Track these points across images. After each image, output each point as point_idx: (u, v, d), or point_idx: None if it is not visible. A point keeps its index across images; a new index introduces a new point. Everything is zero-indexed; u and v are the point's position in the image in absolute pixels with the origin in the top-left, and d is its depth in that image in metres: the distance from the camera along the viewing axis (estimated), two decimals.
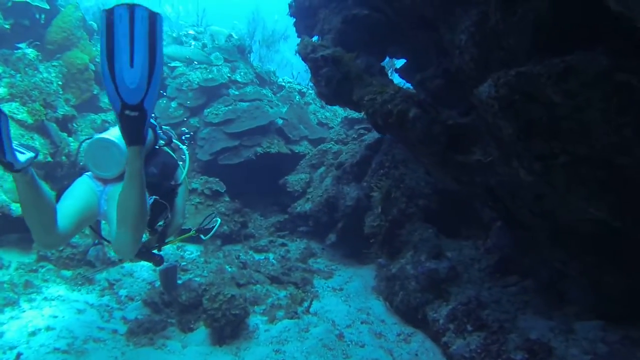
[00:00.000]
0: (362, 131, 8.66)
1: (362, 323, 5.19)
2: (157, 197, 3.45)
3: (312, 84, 4.53)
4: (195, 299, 4.97)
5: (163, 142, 4.10)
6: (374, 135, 7.31)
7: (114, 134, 3.39)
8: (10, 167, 2.57)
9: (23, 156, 2.63)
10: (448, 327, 4.51)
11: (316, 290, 5.99)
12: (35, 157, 2.72)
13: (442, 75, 4.31)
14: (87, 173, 3.46)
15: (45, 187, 2.86)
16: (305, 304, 5.54)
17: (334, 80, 4.10)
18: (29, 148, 2.75)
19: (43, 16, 7.93)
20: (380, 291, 5.69)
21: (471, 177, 3.72)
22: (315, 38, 5.44)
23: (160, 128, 4.12)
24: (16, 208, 5.52)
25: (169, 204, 3.64)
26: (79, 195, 3.32)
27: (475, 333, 4.21)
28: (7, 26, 7.20)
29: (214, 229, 4.49)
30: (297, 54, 4.73)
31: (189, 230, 4.60)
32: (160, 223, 3.71)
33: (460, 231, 5.89)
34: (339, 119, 9.95)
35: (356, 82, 4.02)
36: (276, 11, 10.46)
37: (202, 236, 4.55)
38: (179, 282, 5.38)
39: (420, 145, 3.53)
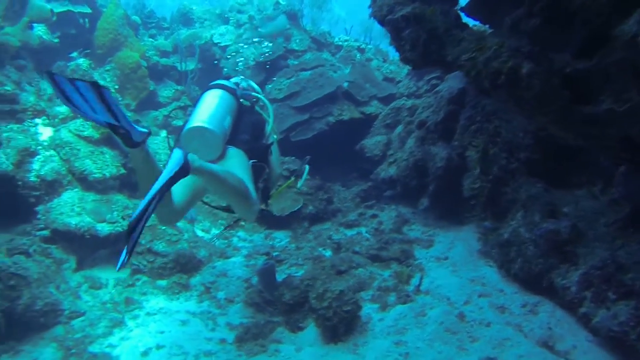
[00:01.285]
0: (434, 81, 8.04)
1: (479, 296, 4.79)
2: (254, 160, 3.57)
3: (393, 47, 4.01)
4: (299, 296, 4.72)
5: (248, 103, 4.04)
6: (449, 85, 6.70)
7: (201, 118, 3.37)
8: (130, 141, 2.65)
9: (139, 132, 2.70)
10: (584, 295, 4.04)
11: (420, 262, 5.63)
12: (149, 134, 2.80)
13: (539, 13, 3.67)
14: None
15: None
16: (413, 281, 5.20)
17: (419, 42, 3.58)
18: (141, 126, 2.85)
19: (87, 20, 7.71)
20: (491, 257, 5.24)
21: (602, 129, 3.17)
22: None
23: (241, 89, 4.01)
24: (102, 228, 5.43)
25: (266, 163, 3.77)
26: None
27: (621, 302, 3.72)
28: (55, 40, 7.04)
29: (305, 173, 4.48)
30: (372, 18, 4.20)
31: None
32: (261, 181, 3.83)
33: (569, 180, 5.29)
34: (405, 71, 9.33)
35: (446, 39, 3.50)
36: None
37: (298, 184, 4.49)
38: (278, 279, 5.13)
39: (538, 104, 3.01)
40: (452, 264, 5.50)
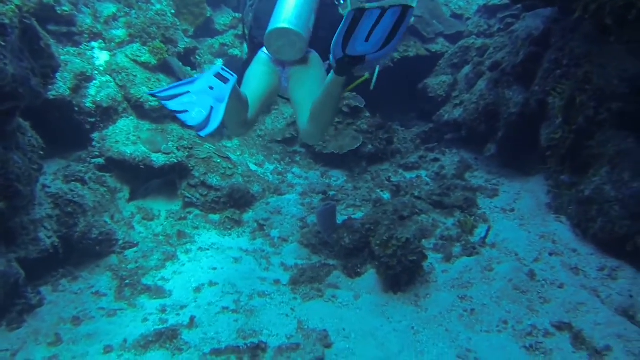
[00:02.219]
0: (509, 20, 7.47)
1: (550, 255, 4.50)
2: (329, 61, 3.54)
3: None
4: (360, 241, 4.50)
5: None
6: (527, 24, 6.12)
7: (288, 17, 3.32)
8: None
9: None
10: None
11: (484, 212, 5.33)
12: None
13: None
14: (263, 50, 3.54)
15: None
16: (478, 232, 4.93)
17: None
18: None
19: None
20: (565, 213, 4.90)
21: None
22: None
23: None
24: (157, 158, 5.27)
25: None
26: (263, 79, 3.49)
27: None
28: None
29: (376, 74, 4.12)
30: None
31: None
32: None
33: None
34: (475, 7, 8.69)
35: None
36: None
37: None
38: (338, 221, 4.92)
39: None
40: (520, 217, 5.19)
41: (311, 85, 3.43)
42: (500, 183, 5.99)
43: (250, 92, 3.31)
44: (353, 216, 5.30)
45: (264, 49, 3.52)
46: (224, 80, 2.72)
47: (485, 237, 4.74)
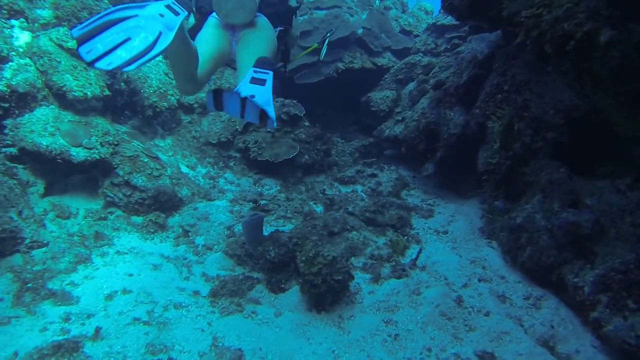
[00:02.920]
0: (456, 41, 7.48)
1: (479, 281, 4.42)
2: (281, 28, 3.69)
3: None
4: (286, 255, 4.29)
5: None
6: (473, 47, 6.14)
7: None
8: None
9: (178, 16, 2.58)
10: (598, 299, 3.66)
11: (417, 232, 5.24)
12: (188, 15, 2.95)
13: None
14: (213, 15, 3.50)
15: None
16: (409, 252, 4.81)
17: None
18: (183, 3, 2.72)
19: None
20: (496, 239, 4.86)
21: None
22: None
23: None
24: (76, 153, 4.86)
25: (290, 26, 3.86)
26: (213, 41, 3.44)
27: None
28: None
29: (325, 45, 4.61)
30: None
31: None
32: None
33: (592, 167, 4.86)
34: (424, 25, 8.71)
35: None
36: None
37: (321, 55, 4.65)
38: (265, 232, 4.68)
39: (611, 81, 2.51)
40: (452, 240, 5.13)
41: (257, 46, 3.39)
42: (436, 204, 5.93)
43: (200, 52, 3.21)
44: (282, 228, 5.08)
45: (214, 14, 3.50)
46: (175, 13, 2.58)
47: (416, 258, 4.62)
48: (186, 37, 2.87)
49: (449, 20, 7.85)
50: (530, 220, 4.33)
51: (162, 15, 2.53)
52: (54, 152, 4.75)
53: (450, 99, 5.71)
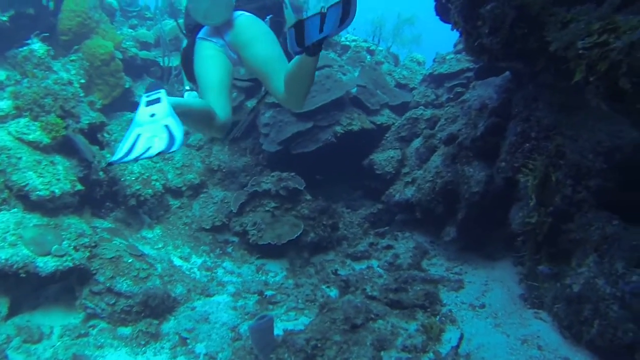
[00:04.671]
0: (458, 89, 6.97)
1: None
2: (271, 15, 3.54)
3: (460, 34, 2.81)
4: None
5: None
6: (479, 94, 5.60)
7: None
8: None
9: None
10: None
11: (449, 310, 4.51)
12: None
13: None
14: (198, 37, 3.40)
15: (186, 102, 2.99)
16: (447, 337, 4.07)
17: (506, 22, 2.46)
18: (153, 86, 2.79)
19: (51, 3, 6.42)
20: (548, 311, 4.13)
21: None
22: None
23: None
24: (44, 264, 4.17)
25: (281, 18, 3.68)
26: (211, 63, 3.33)
27: None
28: (4, 18, 5.69)
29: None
30: None
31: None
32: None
33: None
34: (419, 77, 8.25)
35: (545, 20, 2.39)
36: None
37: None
38: (275, 334, 3.94)
39: None
40: (492, 314, 4.41)
41: (263, 45, 3.29)
42: (463, 271, 5.25)
43: (209, 85, 3.25)
44: (294, 323, 4.36)
45: (200, 34, 3.40)
46: (157, 101, 2.63)
47: (458, 346, 3.88)
48: (186, 104, 2.87)
49: (447, 68, 7.40)
50: (591, 287, 3.62)
51: (153, 115, 2.59)
52: (15, 267, 4.07)
53: (467, 153, 5.11)
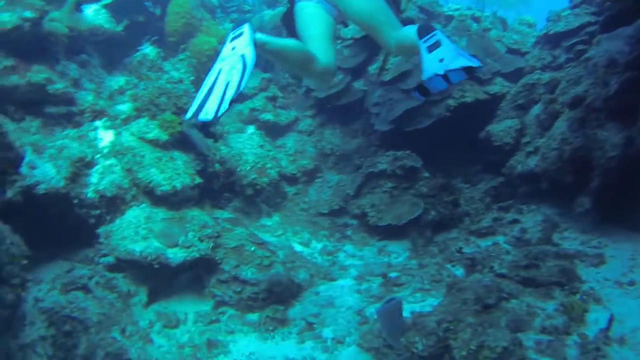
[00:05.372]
0: (579, 47, 6.43)
1: None
2: None
3: None
4: (437, 346, 3.37)
5: None
6: (605, 49, 5.07)
7: None
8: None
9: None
10: None
11: (591, 287, 4.12)
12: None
13: None
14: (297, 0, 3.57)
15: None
16: (592, 318, 3.73)
17: None
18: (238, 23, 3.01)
19: (158, 10, 6.73)
20: None
21: None
22: None
23: None
24: (173, 255, 4.35)
25: None
26: (313, 17, 3.49)
27: None
28: (119, 29, 6.06)
29: None
30: None
31: None
32: None
33: None
34: (531, 40, 7.71)
35: None
36: None
37: None
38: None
39: None
40: None
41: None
42: (603, 245, 4.79)
43: (310, 36, 3.41)
44: (421, 304, 4.22)
45: None
46: (240, 35, 2.82)
47: (608, 328, 3.53)
48: (280, 44, 3.12)
49: (564, 26, 6.85)
50: None
51: (233, 48, 2.76)
52: (149, 258, 4.29)
53: (598, 115, 4.65)
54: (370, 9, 3.42)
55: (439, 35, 3.01)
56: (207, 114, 2.57)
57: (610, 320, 3.57)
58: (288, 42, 3.28)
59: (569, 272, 4.28)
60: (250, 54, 2.70)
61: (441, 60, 2.83)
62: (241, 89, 2.61)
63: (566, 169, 4.97)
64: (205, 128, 5.64)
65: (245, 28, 2.87)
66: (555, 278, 4.23)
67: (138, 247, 4.33)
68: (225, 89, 2.59)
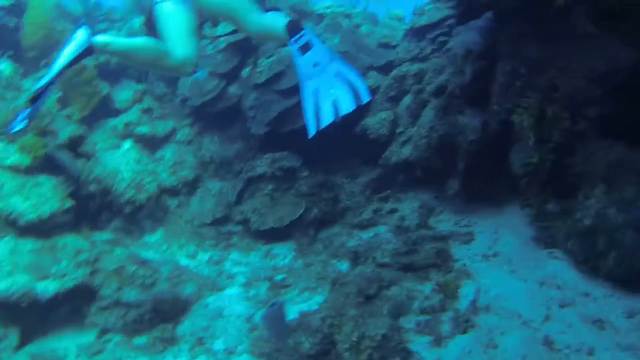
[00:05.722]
0: (441, 38, 6.77)
1: (561, 307, 3.59)
2: None
3: None
4: (323, 343, 3.44)
5: None
6: (462, 39, 5.42)
7: None
8: None
9: None
10: None
11: (463, 264, 4.40)
12: None
13: None
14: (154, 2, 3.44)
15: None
16: (464, 292, 3.98)
17: None
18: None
19: (13, 22, 6.26)
20: (561, 247, 4.03)
21: None
22: None
23: None
24: (44, 288, 4.08)
25: None
26: (172, 17, 3.40)
27: None
28: None
29: None
30: None
31: None
32: None
33: None
34: (401, 33, 8.02)
35: None
36: None
37: None
38: (289, 318, 3.86)
39: None
40: (507, 262, 4.32)
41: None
42: (472, 222, 5.12)
43: (168, 32, 3.34)
44: (309, 303, 4.29)
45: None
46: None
47: (475, 299, 3.79)
48: (112, 42, 3.18)
49: (427, 19, 7.18)
50: (602, 218, 3.52)
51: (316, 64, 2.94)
52: (15, 296, 3.97)
53: (458, 102, 4.95)
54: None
55: (308, 34, 3.09)
56: None
57: (477, 291, 3.82)
58: (134, 41, 3.27)
59: (443, 253, 4.54)
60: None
61: (315, 65, 2.95)
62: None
63: (436, 155, 5.24)
64: (75, 148, 5.35)
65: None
66: (432, 260, 4.46)
67: (2, 285, 4.00)
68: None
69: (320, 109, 2.93)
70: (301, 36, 3.08)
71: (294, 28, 3.13)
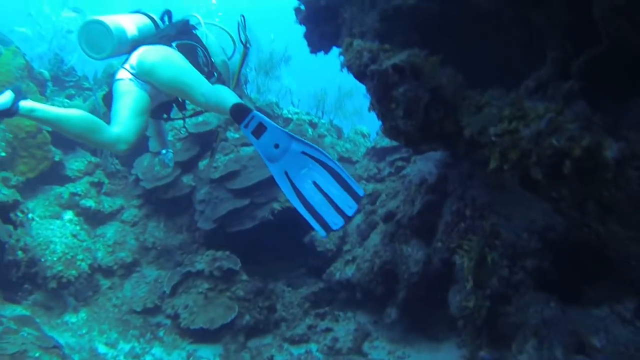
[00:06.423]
0: (399, 163, 6.94)
1: None
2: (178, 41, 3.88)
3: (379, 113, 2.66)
4: None
5: None
6: (418, 168, 5.55)
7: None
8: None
9: None
10: None
11: None
12: None
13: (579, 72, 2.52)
14: (114, 79, 3.63)
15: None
16: None
17: (419, 105, 2.35)
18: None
19: None
20: None
21: None
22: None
23: None
24: None
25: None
26: (125, 98, 3.54)
27: None
28: None
29: None
30: (346, 69, 2.93)
31: None
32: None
33: (583, 292, 4.09)
34: (363, 150, 8.23)
35: (459, 104, 2.29)
36: (271, 29, 8.79)
37: None
38: None
39: (634, 208, 1.78)
40: None
41: (167, 67, 3.62)
42: (407, 355, 5.00)
43: (116, 109, 3.53)
44: None
45: (114, 76, 3.72)
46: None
47: None
48: (38, 109, 3.18)
49: (388, 141, 7.39)
50: None
51: (277, 146, 3.04)
52: None
53: (405, 231, 4.97)
54: (173, 74, 3.56)
55: (258, 117, 3.15)
56: None
57: None
58: (65, 112, 3.28)
59: None
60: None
61: (276, 146, 2.98)
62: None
63: (377, 280, 5.18)
64: (5, 214, 5.11)
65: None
66: None
67: None
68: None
69: (306, 195, 2.92)
70: (251, 119, 3.10)
71: (240, 113, 3.16)
